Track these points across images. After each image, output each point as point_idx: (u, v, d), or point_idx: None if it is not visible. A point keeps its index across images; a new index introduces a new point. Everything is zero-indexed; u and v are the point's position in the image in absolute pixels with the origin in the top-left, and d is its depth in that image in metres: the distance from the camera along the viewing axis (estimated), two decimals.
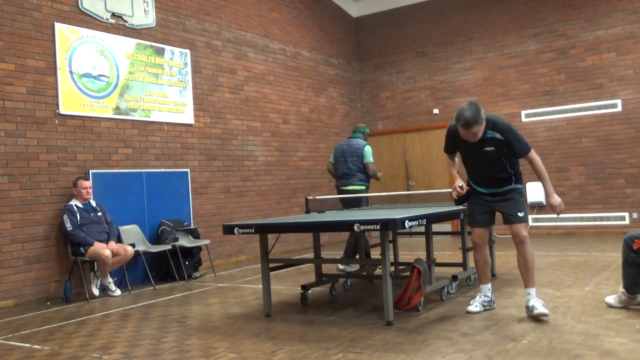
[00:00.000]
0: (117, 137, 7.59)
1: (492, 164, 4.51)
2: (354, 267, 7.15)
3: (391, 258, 5.73)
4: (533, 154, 4.51)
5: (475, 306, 4.70)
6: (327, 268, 6.47)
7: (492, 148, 4.42)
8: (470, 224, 4.79)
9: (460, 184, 4.59)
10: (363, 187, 7.42)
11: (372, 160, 7.42)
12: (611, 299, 4.64)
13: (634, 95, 9.99)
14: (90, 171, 7.16)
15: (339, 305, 5.47)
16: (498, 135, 4.39)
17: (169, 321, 5.17)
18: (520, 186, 4.66)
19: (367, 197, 7.48)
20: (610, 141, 10.14)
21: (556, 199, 4.58)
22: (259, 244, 5.12)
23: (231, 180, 9.29)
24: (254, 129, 9.81)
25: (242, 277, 7.68)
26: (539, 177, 4.54)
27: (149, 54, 8.09)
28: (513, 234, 4.52)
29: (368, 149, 7.42)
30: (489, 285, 4.79)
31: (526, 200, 4.59)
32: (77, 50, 7.20)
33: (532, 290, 4.46)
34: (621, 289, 4.54)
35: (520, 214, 4.55)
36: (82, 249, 6.55)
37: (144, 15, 8.08)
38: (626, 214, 10.00)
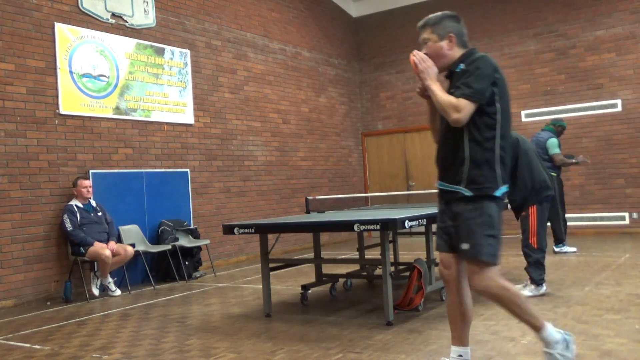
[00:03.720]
0: (117, 137, 7.59)
1: (447, 124, 2.95)
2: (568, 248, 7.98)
3: (391, 258, 5.73)
4: (465, 103, 2.82)
5: None
6: (327, 268, 6.47)
7: (454, 91, 2.92)
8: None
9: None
10: (553, 175, 7.75)
11: (558, 151, 7.84)
12: (524, 292, 5.13)
13: (634, 95, 9.98)
14: (90, 171, 7.16)
15: (339, 305, 5.46)
16: (463, 66, 2.96)
17: (169, 321, 5.17)
18: (493, 192, 2.89)
19: (558, 185, 7.81)
20: (610, 141, 10.14)
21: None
22: (259, 244, 5.12)
23: (231, 180, 9.29)
24: (254, 129, 9.81)
25: (242, 277, 7.68)
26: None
27: (149, 54, 8.09)
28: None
29: (550, 142, 7.86)
30: (463, 350, 3.09)
31: (496, 220, 2.89)
32: (77, 50, 7.20)
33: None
34: (529, 283, 5.25)
35: (465, 245, 2.89)
36: (82, 249, 6.55)
37: (144, 15, 8.08)
38: (626, 214, 10.00)
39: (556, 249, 7.92)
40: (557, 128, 8.10)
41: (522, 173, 5.23)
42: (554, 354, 2.88)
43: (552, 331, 2.90)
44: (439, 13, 3.11)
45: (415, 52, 3.01)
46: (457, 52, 3.02)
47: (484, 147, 2.87)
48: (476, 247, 2.85)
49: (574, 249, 7.99)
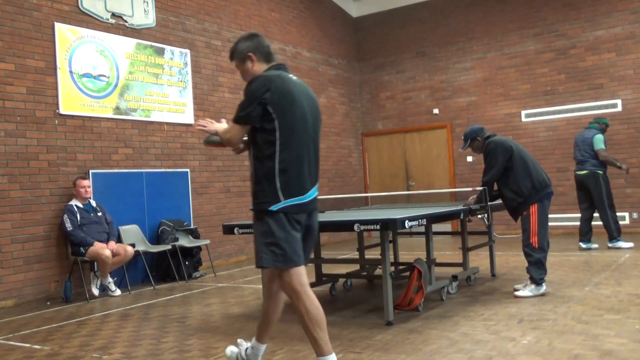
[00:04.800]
0: (117, 137, 7.59)
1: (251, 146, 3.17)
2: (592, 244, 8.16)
3: (391, 258, 5.73)
4: (232, 126, 3.14)
5: None
6: (327, 268, 6.47)
7: None
8: None
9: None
10: (600, 172, 7.93)
11: (603, 147, 7.94)
12: (524, 292, 5.21)
13: (634, 95, 9.98)
14: (90, 171, 7.16)
15: (339, 305, 5.46)
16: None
17: (169, 321, 5.17)
18: (268, 207, 3.02)
19: (604, 182, 7.94)
20: (610, 141, 10.10)
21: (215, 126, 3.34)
22: None
23: (231, 180, 9.29)
24: None
25: (242, 277, 7.68)
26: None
27: (149, 54, 8.09)
28: None
29: (597, 138, 7.97)
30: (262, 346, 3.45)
31: (276, 230, 3.01)
32: (77, 50, 7.20)
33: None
34: (530, 283, 5.26)
35: (259, 256, 3.07)
36: (82, 249, 6.55)
37: (144, 15, 8.08)
38: (626, 214, 9.99)
39: (610, 245, 8.07)
40: (601, 126, 8.19)
41: (518, 176, 5.26)
42: None
43: None
44: (237, 40, 3.37)
45: (194, 124, 3.48)
46: (261, 67, 3.26)
47: (263, 164, 3.04)
48: (258, 254, 3.06)
49: (630, 244, 8.04)
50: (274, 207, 3.00)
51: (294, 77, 3.24)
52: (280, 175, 3.00)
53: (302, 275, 3.05)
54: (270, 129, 3.02)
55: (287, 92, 3.08)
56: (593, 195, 7.94)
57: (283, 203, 3.00)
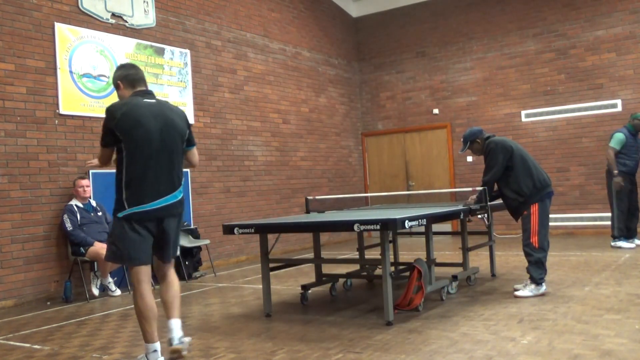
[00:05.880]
0: None
1: None
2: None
3: (391, 258, 5.73)
4: (101, 148, 3.87)
5: None
6: (327, 268, 6.47)
7: None
8: None
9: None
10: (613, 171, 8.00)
11: (613, 146, 7.95)
12: (524, 292, 5.22)
13: (634, 95, 9.98)
14: (91, 171, 7.16)
15: (339, 305, 5.47)
16: None
17: None
18: (117, 214, 3.70)
19: (618, 179, 7.92)
20: None
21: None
22: (259, 244, 5.12)
23: (231, 180, 9.28)
24: (254, 129, 9.81)
25: (242, 277, 7.68)
26: None
27: (149, 54, 8.09)
28: None
29: (614, 136, 8.00)
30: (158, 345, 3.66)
31: (119, 233, 3.67)
32: (77, 50, 7.20)
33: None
34: (530, 283, 5.25)
35: (106, 251, 3.81)
36: (82, 249, 6.55)
37: (144, 15, 8.08)
38: None
39: (612, 244, 8.10)
40: (633, 122, 8.15)
41: (519, 175, 5.27)
42: None
43: (151, 352, 3.61)
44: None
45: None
46: (128, 92, 3.79)
47: (117, 177, 3.68)
48: (106, 250, 3.77)
49: (631, 245, 8.02)
50: (120, 214, 3.61)
51: (151, 101, 3.72)
52: (126, 187, 3.62)
53: (141, 273, 3.60)
54: (119, 149, 3.62)
55: (131, 117, 3.56)
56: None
57: (127, 211, 3.59)
